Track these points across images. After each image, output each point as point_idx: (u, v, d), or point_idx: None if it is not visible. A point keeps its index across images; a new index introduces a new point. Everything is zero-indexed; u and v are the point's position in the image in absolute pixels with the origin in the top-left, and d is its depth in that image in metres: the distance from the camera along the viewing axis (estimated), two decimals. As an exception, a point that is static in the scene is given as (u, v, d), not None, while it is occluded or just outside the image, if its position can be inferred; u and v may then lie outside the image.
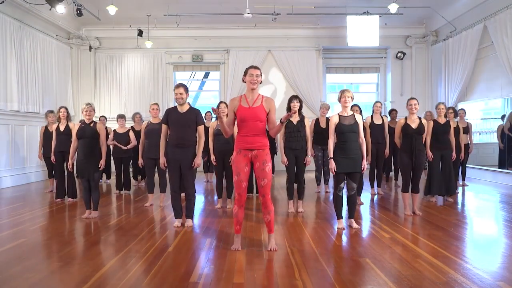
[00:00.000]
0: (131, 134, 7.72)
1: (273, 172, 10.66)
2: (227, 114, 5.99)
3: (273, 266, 3.49)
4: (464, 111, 8.42)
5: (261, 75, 3.86)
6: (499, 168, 9.30)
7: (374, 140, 6.97)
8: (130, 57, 12.54)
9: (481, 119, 10.58)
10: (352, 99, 4.68)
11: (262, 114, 3.78)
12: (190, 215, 5.00)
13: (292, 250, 3.91)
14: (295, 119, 5.60)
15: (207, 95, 13.54)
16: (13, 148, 9.26)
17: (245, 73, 3.83)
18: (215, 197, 6.95)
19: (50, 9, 9.00)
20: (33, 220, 5.43)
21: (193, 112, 4.85)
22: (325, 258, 3.68)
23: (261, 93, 3.93)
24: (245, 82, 3.86)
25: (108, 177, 9.80)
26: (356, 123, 4.69)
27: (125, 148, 7.62)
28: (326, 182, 7.77)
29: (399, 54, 12.44)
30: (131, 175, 8.80)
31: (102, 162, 5.45)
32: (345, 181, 4.77)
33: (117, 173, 7.82)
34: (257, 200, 6.70)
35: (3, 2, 8.40)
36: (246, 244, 4.13)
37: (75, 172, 5.96)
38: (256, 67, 3.86)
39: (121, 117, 8.06)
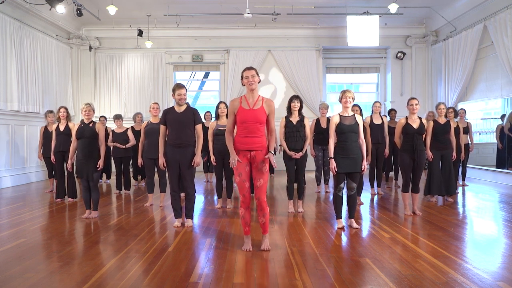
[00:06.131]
0: (130, 133, 7.71)
1: (273, 172, 10.78)
2: (226, 114, 6.07)
3: (273, 266, 3.49)
4: (464, 111, 8.43)
5: (257, 74, 3.83)
6: (496, 168, 9.31)
7: (374, 140, 6.99)
8: (130, 57, 12.54)
9: (481, 119, 10.58)
10: (353, 99, 4.70)
11: (262, 116, 3.78)
12: (190, 215, 5.01)
13: (292, 250, 3.90)
14: (294, 119, 5.60)
15: (207, 95, 13.54)
16: (13, 148, 9.26)
17: (242, 77, 3.82)
18: (215, 197, 6.96)
19: (50, 9, 9.01)
20: (33, 220, 5.43)
21: (191, 112, 4.84)
22: (325, 258, 3.67)
23: (261, 94, 3.92)
24: (244, 85, 3.85)
25: (108, 177, 9.80)
26: (356, 123, 4.70)
27: (123, 147, 7.61)
28: (326, 182, 7.78)
29: (399, 54, 12.43)
30: (131, 175, 8.81)
31: (100, 162, 5.43)
32: (345, 181, 4.77)
33: (117, 173, 7.82)
34: (257, 200, 6.69)
35: (3, 2, 8.40)
36: (246, 244, 4.12)
37: (75, 172, 5.96)
38: (250, 68, 3.84)
39: (117, 117, 8.07)
